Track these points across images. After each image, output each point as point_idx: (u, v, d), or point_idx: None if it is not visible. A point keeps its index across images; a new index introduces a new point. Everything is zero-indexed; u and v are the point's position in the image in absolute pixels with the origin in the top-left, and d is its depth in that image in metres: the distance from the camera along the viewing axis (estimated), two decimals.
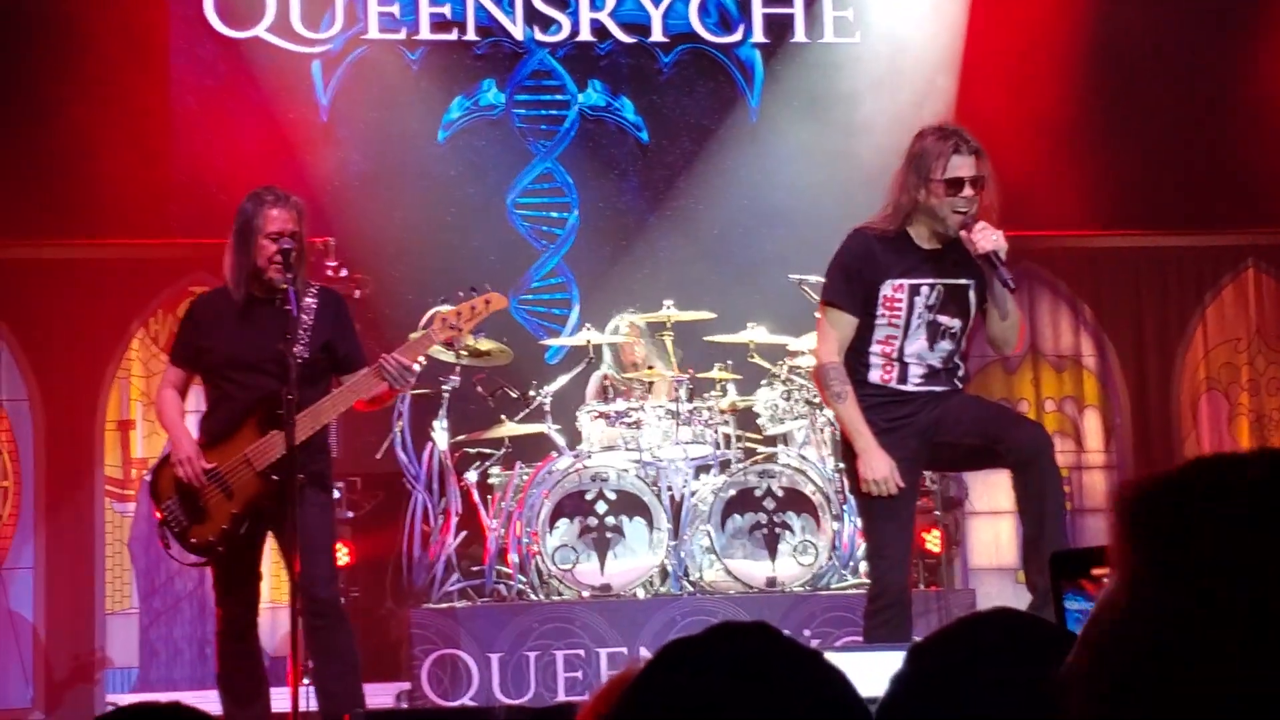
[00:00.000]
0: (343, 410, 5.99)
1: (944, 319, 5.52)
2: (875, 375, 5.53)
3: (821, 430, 8.51)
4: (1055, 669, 1.31)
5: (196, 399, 6.71)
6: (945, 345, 5.54)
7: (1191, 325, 10.64)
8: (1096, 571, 1.99)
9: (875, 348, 5.52)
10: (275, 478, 5.76)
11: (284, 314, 5.78)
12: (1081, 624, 1.88)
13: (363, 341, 6.30)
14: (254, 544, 5.95)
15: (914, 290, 5.50)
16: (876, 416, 5.49)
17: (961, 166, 5.42)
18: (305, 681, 6.11)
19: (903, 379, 5.52)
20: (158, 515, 6.02)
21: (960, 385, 5.64)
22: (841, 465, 8.20)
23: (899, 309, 5.49)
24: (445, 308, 6.36)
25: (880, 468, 5.41)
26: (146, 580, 9.48)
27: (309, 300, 5.97)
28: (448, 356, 8.37)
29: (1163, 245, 10.61)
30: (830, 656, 1.65)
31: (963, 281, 5.53)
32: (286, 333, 5.65)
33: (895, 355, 5.51)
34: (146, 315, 9.70)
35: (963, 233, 5.42)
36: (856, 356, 5.55)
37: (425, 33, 10.02)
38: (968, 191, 5.41)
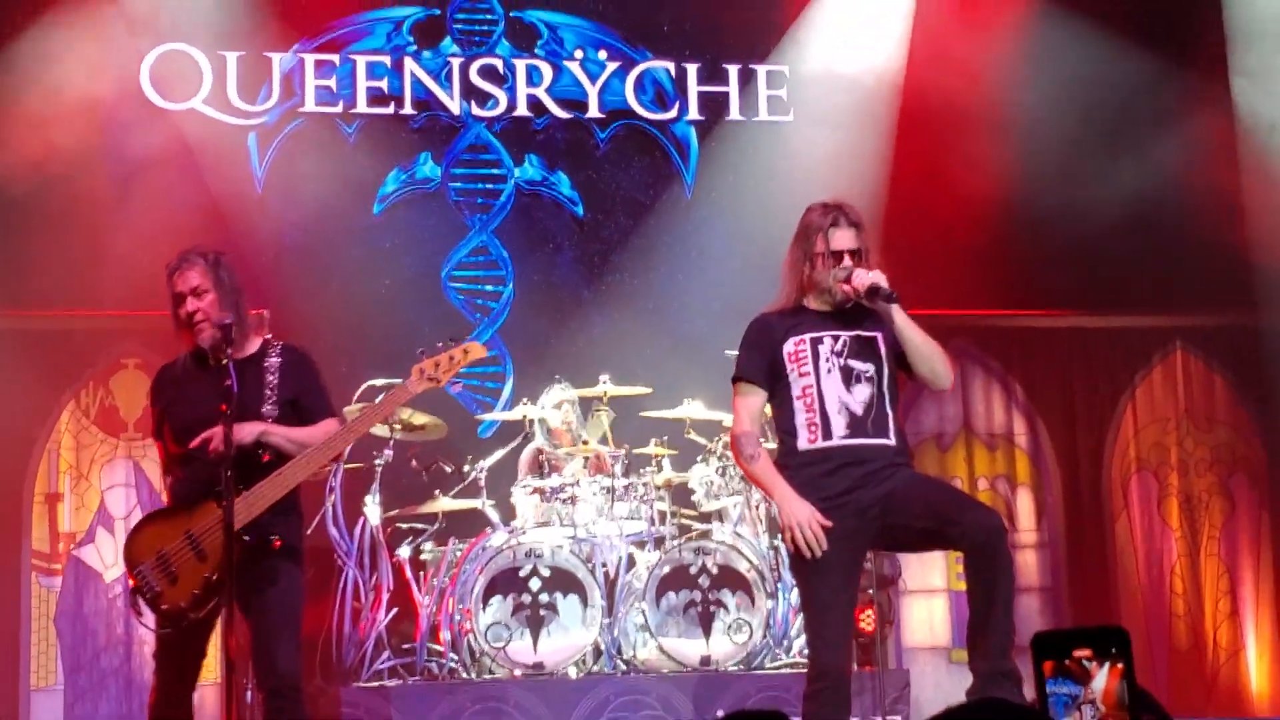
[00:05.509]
0: (310, 474, 5.90)
1: (855, 363, 5.53)
2: (803, 440, 5.51)
3: (756, 507, 8.51)
4: None
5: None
6: (864, 389, 5.52)
7: (1121, 405, 10.73)
8: (1078, 653, 1.98)
9: (798, 405, 5.51)
10: (246, 538, 5.67)
11: (246, 375, 5.75)
12: (1068, 708, 1.88)
13: None
14: (211, 614, 5.81)
15: (816, 341, 5.54)
16: (811, 496, 5.46)
17: (842, 239, 5.51)
18: None
19: (827, 433, 5.50)
20: (131, 582, 5.90)
21: (893, 440, 5.56)
22: (776, 543, 8.22)
23: (804, 358, 5.51)
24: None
25: (800, 511, 5.38)
26: (72, 656, 9.34)
27: (273, 359, 5.94)
28: (381, 431, 8.32)
29: (1092, 326, 10.70)
30: None
31: (868, 333, 5.56)
32: (225, 407, 5.58)
33: (816, 404, 5.50)
34: (78, 387, 9.62)
35: (845, 288, 5.48)
36: (784, 427, 5.56)
37: (362, 106, 10.04)
38: (848, 263, 5.48)
